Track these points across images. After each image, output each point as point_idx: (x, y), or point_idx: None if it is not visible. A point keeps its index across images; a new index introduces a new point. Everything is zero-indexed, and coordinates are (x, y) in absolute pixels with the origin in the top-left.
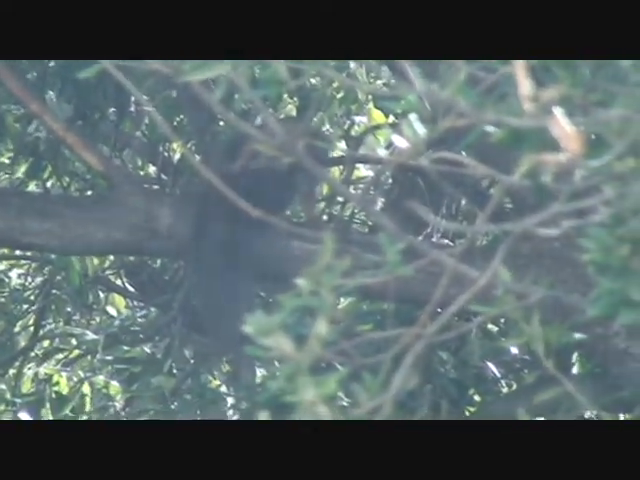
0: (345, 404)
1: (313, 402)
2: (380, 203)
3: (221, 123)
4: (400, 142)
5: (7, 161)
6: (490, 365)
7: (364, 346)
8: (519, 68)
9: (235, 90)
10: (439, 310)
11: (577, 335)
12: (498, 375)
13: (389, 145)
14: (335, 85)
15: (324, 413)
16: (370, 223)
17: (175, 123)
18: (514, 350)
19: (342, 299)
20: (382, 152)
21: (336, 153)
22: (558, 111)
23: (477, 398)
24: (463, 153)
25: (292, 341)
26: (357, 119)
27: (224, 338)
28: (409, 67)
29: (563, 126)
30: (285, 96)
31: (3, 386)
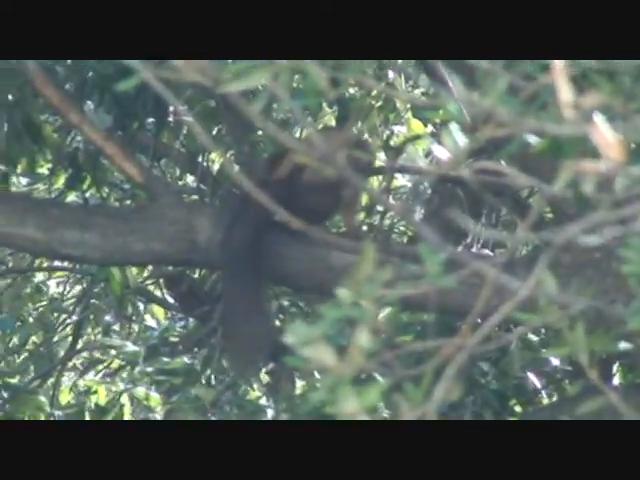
0: (387, 415)
1: (354, 413)
2: (420, 213)
3: (260, 133)
4: (440, 152)
5: (46, 172)
6: (531, 376)
7: (405, 357)
8: (559, 75)
9: (274, 100)
10: (480, 321)
11: (622, 345)
12: (539, 386)
13: (428, 155)
14: (374, 94)
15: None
16: (410, 233)
17: (214, 133)
18: (555, 361)
19: (383, 310)
20: (422, 162)
21: (376, 163)
22: (598, 118)
23: (518, 409)
24: (503, 162)
25: (333, 352)
26: (396, 129)
27: (246, 350)
28: (448, 75)
29: (603, 133)
30: (324, 106)
31: (42, 397)
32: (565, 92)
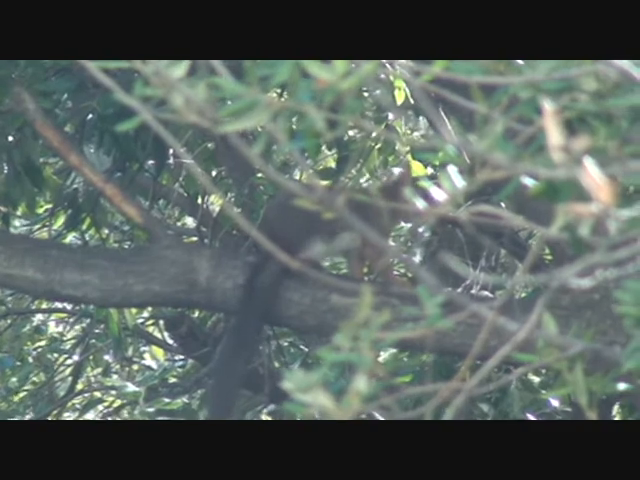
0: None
1: None
2: (418, 255)
3: (260, 175)
4: (438, 194)
5: (46, 213)
6: (531, 417)
7: (404, 398)
8: (549, 118)
9: (274, 142)
10: (479, 362)
11: (621, 386)
12: None
13: (427, 197)
14: (373, 136)
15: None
16: (409, 275)
17: (214, 175)
18: (555, 402)
19: (381, 352)
20: (420, 204)
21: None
22: (588, 161)
23: None
24: (501, 204)
25: (331, 396)
26: (396, 171)
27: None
28: (446, 118)
29: (593, 177)
30: (324, 148)
31: None
32: (555, 136)
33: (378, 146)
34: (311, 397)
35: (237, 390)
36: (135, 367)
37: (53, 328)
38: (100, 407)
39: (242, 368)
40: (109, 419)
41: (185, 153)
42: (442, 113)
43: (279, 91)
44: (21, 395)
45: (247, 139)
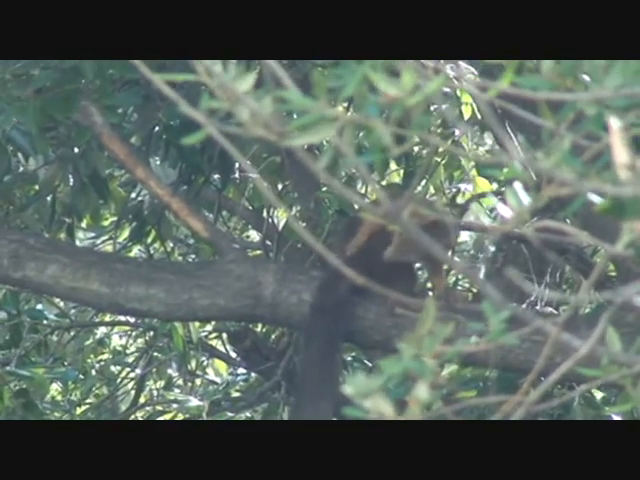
0: None
1: None
2: (483, 271)
3: (325, 189)
4: (504, 210)
5: (111, 225)
6: None
7: (466, 413)
8: (615, 135)
9: (340, 156)
10: (542, 378)
11: None
12: None
13: (492, 212)
14: (440, 151)
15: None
16: (474, 291)
17: (279, 189)
18: (617, 419)
19: (445, 366)
20: (486, 219)
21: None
22: None
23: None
24: (567, 221)
25: (392, 404)
26: (462, 187)
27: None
28: (512, 134)
29: None
30: (391, 162)
31: None
32: (621, 153)
33: (444, 161)
34: (371, 403)
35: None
36: (198, 381)
37: (116, 341)
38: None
39: (334, 388)
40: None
41: (250, 167)
42: (508, 129)
43: (346, 105)
44: (84, 408)
45: (313, 153)
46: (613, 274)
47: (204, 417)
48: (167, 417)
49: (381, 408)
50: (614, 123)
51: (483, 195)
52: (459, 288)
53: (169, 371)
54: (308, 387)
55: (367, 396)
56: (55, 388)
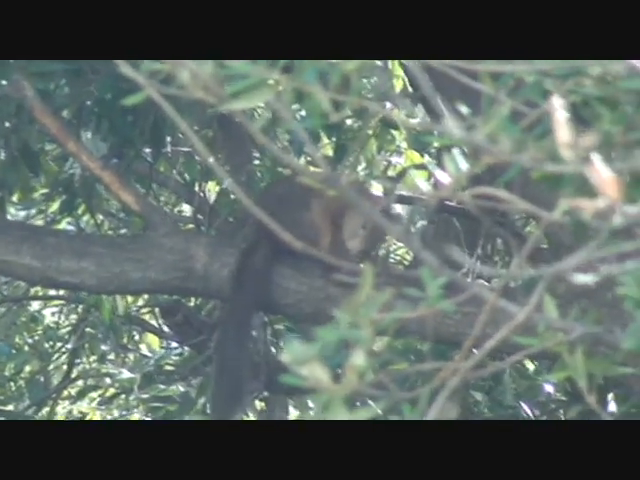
0: None
1: None
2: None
3: (258, 162)
4: (442, 177)
5: (42, 198)
6: (524, 405)
7: (400, 383)
8: (557, 114)
9: (277, 123)
10: (477, 348)
11: (621, 368)
12: (532, 416)
13: (427, 184)
14: (371, 125)
15: None
16: (406, 262)
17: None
18: (549, 389)
19: (380, 337)
20: (422, 186)
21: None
22: (596, 158)
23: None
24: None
25: (328, 372)
26: (394, 160)
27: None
28: (448, 102)
29: (600, 172)
30: (323, 135)
31: None
32: (563, 133)
33: (376, 134)
34: (308, 370)
35: (245, 380)
36: (131, 356)
37: (50, 318)
38: (95, 395)
39: (244, 356)
40: (103, 407)
41: (190, 131)
42: (441, 101)
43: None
44: (17, 383)
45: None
46: (545, 247)
47: (136, 390)
48: (99, 392)
49: (318, 375)
50: (556, 101)
51: (417, 167)
52: (392, 260)
53: (102, 347)
54: (225, 360)
55: (304, 363)
56: None
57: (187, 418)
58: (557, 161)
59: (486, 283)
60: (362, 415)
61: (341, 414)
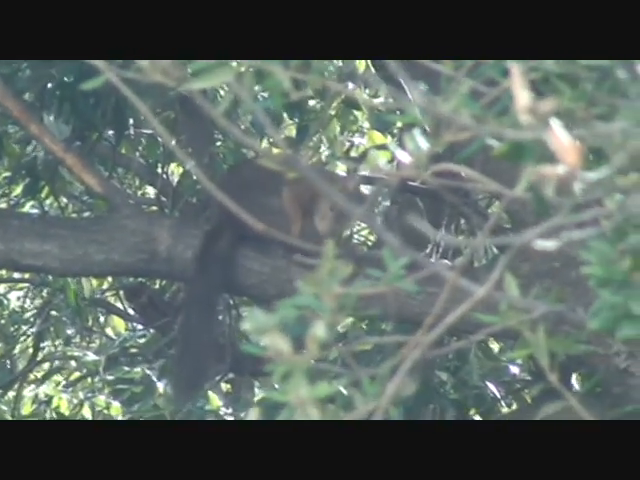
0: (338, 408)
1: (305, 403)
2: (381, 220)
3: (220, 144)
4: (403, 156)
5: (5, 181)
6: (490, 386)
7: (362, 361)
8: (516, 80)
9: (238, 104)
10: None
11: (583, 347)
12: (498, 395)
13: (389, 164)
14: (334, 106)
15: (315, 415)
16: (369, 243)
17: (174, 144)
18: (514, 369)
19: (343, 318)
20: (383, 166)
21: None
22: (555, 123)
23: (478, 418)
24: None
25: (289, 341)
26: (356, 141)
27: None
28: (409, 81)
29: (560, 139)
30: (285, 116)
31: (4, 407)
32: (522, 98)
33: (338, 114)
34: (268, 340)
35: (206, 361)
36: (97, 340)
37: (15, 302)
38: (60, 378)
39: (208, 338)
40: (68, 390)
41: (150, 114)
42: (404, 77)
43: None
44: None
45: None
46: (508, 226)
47: (101, 372)
48: (64, 374)
49: (278, 345)
50: (515, 68)
51: (379, 147)
52: (355, 241)
53: (68, 331)
54: (188, 341)
55: (264, 332)
56: None
57: (151, 401)
58: (517, 129)
59: (449, 263)
60: (323, 389)
61: (301, 385)
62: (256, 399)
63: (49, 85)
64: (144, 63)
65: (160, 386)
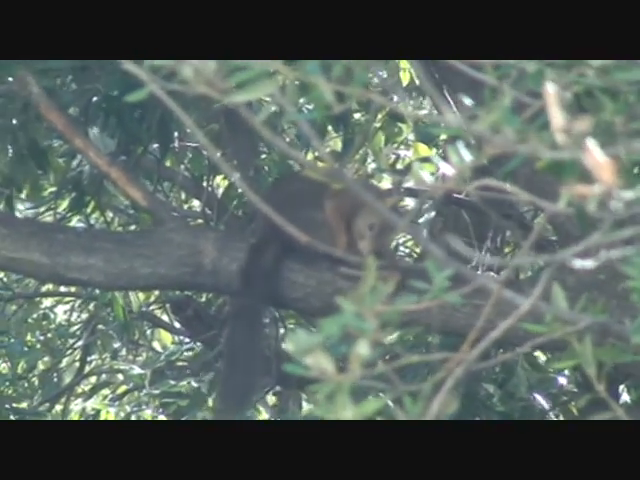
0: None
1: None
2: (426, 232)
3: (264, 156)
4: (446, 169)
5: (50, 195)
6: (538, 397)
7: (408, 375)
8: (550, 99)
9: (281, 116)
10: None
11: (630, 356)
12: (546, 407)
13: (434, 175)
14: (379, 118)
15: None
16: (414, 255)
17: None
18: (562, 380)
19: (389, 331)
20: (427, 179)
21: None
22: (590, 142)
23: None
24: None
25: (333, 361)
26: (402, 153)
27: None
28: (452, 94)
29: (596, 157)
30: (330, 129)
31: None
32: (557, 118)
33: (382, 127)
34: (312, 359)
35: (253, 374)
36: (144, 353)
37: (61, 316)
38: (107, 392)
39: (254, 351)
40: (115, 403)
41: (195, 126)
42: (446, 93)
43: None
44: (30, 380)
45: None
46: (553, 238)
47: (147, 385)
48: (112, 388)
49: (322, 365)
50: (550, 87)
51: (424, 160)
52: (400, 253)
53: (115, 345)
54: (235, 355)
55: (308, 353)
56: None
57: (199, 414)
58: (555, 148)
59: (495, 275)
60: (369, 407)
61: (346, 405)
62: (303, 412)
63: (94, 99)
64: (188, 74)
65: (209, 400)
